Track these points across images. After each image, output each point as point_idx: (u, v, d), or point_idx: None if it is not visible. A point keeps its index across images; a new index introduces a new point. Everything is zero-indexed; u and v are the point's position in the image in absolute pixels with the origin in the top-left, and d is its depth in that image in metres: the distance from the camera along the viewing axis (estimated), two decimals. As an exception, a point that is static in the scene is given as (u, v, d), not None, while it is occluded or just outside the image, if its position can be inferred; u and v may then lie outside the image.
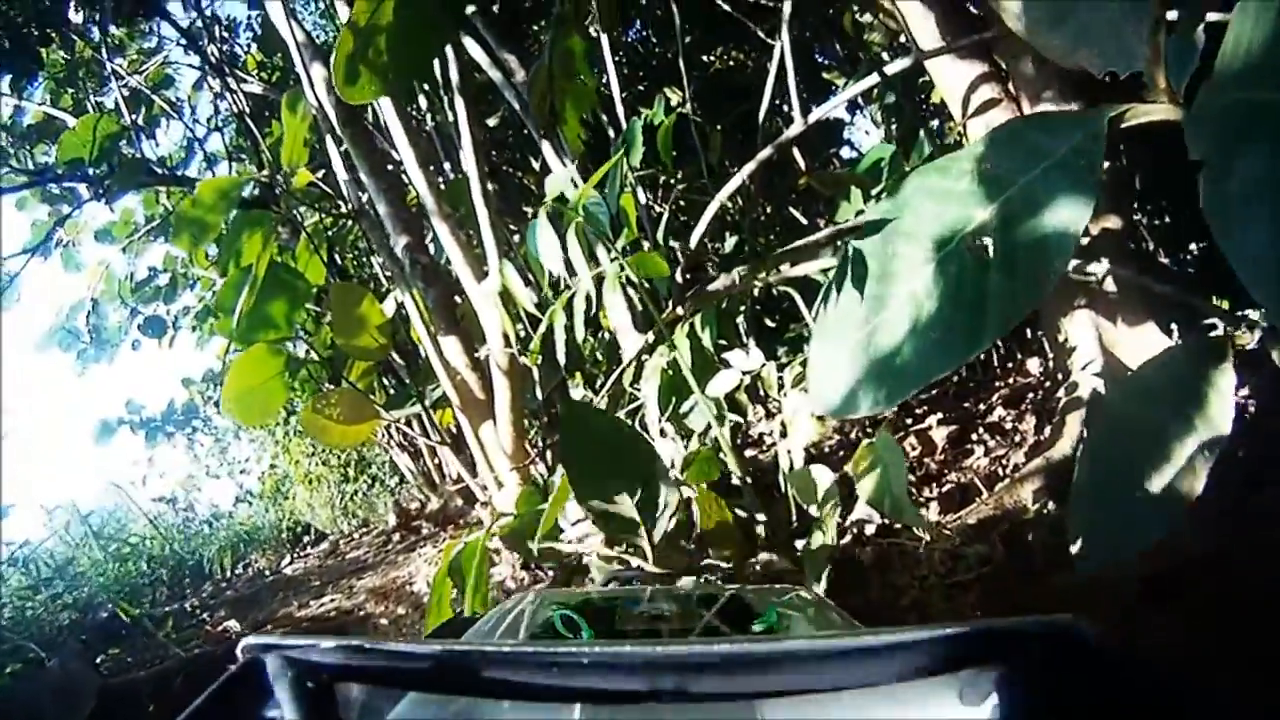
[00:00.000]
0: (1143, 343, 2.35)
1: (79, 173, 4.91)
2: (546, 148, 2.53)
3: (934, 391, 3.94)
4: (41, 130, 5.59)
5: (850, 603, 1.70)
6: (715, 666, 0.56)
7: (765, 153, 2.29)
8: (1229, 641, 1.45)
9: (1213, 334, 1.98)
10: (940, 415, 3.35)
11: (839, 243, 2.06)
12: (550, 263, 1.95)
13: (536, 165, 4.54)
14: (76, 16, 5.04)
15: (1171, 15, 0.88)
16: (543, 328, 2.18)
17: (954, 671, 0.60)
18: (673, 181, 2.92)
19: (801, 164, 4.16)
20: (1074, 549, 1.08)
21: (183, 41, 5.45)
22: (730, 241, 4.22)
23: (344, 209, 4.38)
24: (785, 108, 4.03)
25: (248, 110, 4.90)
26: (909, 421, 3.44)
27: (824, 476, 1.53)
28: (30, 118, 5.60)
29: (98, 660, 3.63)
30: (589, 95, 2.27)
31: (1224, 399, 0.97)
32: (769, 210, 4.49)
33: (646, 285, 2.10)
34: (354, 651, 0.63)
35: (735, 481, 1.85)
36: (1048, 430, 2.64)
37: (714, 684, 0.56)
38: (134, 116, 5.36)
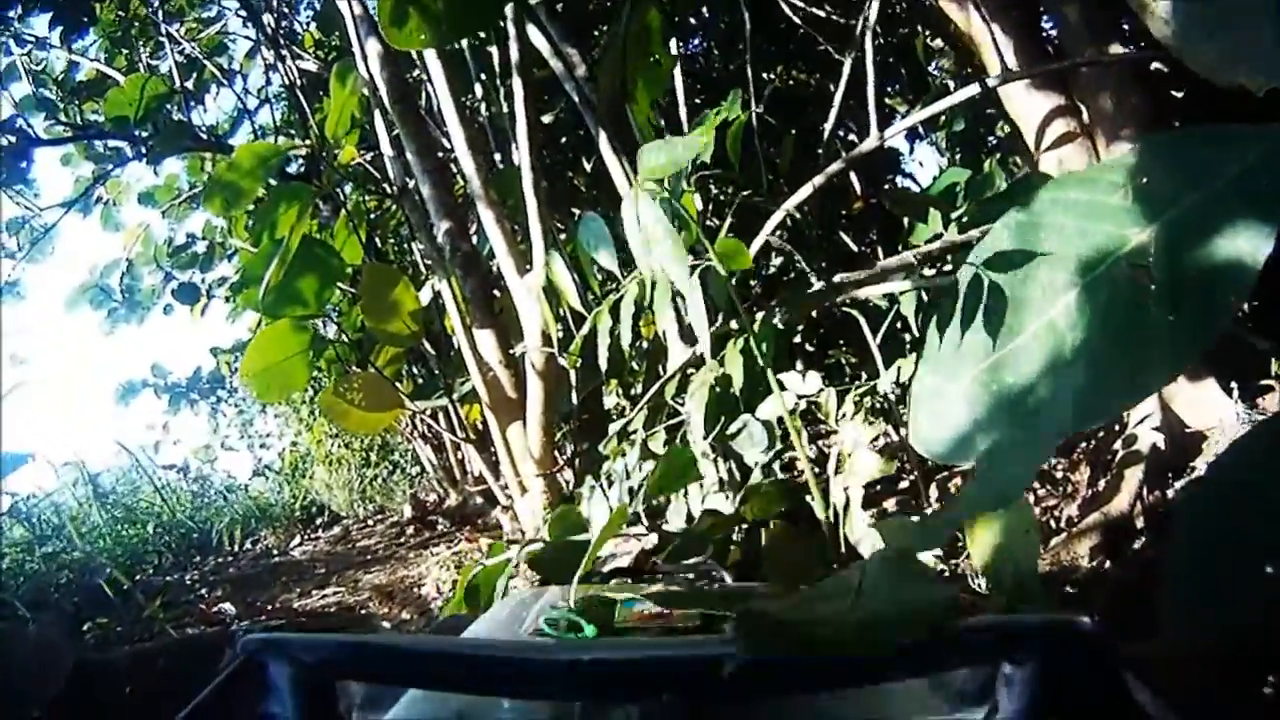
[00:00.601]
0: (1202, 398, 2.30)
1: (123, 132, 4.90)
2: (603, 140, 2.43)
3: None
4: (94, 88, 5.61)
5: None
6: (714, 665, 0.54)
7: (836, 166, 2.18)
8: None
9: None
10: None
11: (914, 267, 1.95)
12: (604, 259, 1.84)
13: (588, 166, 4.47)
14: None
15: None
16: (585, 328, 2.07)
17: (957, 669, 0.61)
18: (732, 190, 2.82)
19: (859, 188, 4.07)
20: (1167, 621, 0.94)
21: (241, 12, 5.46)
22: (775, 262, 4.13)
23: (388, 191, 4.33)
24: (842, 132, 3.96)
25: (300, 84, 4.89)
26: (954, 465, 3.30)
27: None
28: (83, 74, 5.63)
29: (84, 628, 3.56)
30: (662, 77, 2.16)
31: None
32: (819, 234, 4.40)
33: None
34: (354, 648, 0.66)
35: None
36: (1102, 483, 2.54)
37: (715, 683, 0.55)
38: (185, 81, 5.39)
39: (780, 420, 1.87)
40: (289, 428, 9.14)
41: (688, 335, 2.37)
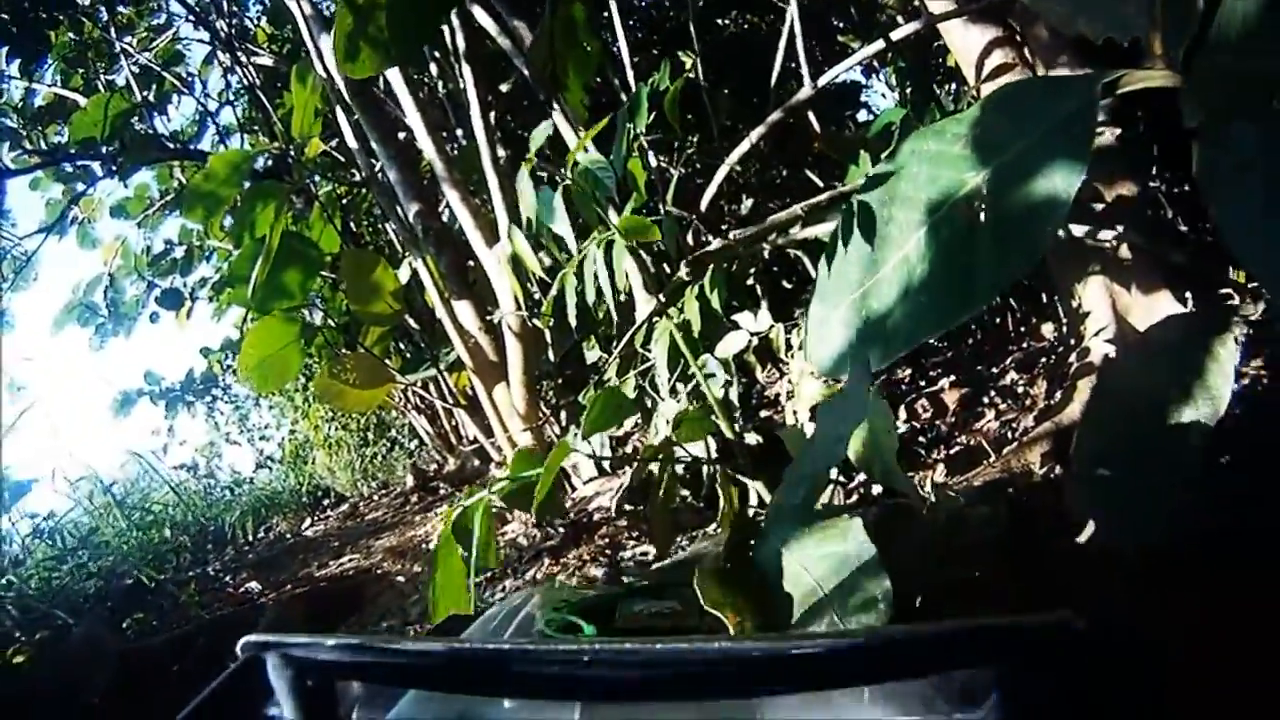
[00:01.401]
0: (1156, 311, 2.32)
1: (92, 151, 4.98)
2: (558, 114, 2.55)
3: (949, 355, 3.97)
4: (53, 111, 5.66)
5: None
6: (713, 665, 0.55)
7: (774, 116, 2.30)
8: (1227, 620, 1.43)
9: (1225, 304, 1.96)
10: (953, 378, 3.37)
11: (843, 206, 2.07)
12: (559, 227, 1.98)
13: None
14: (85, -1, 5.11)
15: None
16: (553, 291, 2.21)
17: (949, 670, 0.60)
18: (682, 146, 2.93)
19: (817, 127, 4.16)
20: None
21: (191, 18, 5.53)
22: (747, 204, 4.23)
23: (356, 177, 4.44)
24: (800, 71, 4.03)
25: (259, 83, 4.95)
26: (922, 383, 3.47)
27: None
28: (41, 99, 5.68)
29: (124, 625, 3.74)
30: (592, 61, 2.28)
31: (1224, 370, 0.98)
32: (785, 174, 4.49)
33: (658, 249, 2.12)
34: (354, 649, 0.63)
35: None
36: (1058, 395, 2.65)
37: (712, 682, 0.56)
38: (145, 93, 5.48)
39: (740, 357, 2.04)
40: (284, 418, 9.27)
41: (650, 287, 2.53)
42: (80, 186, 5.96)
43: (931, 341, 4.34)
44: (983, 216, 0.88)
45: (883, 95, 6.08)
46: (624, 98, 2.45)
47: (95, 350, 7.15)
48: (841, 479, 2.42)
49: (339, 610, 3.24)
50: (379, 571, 3.55)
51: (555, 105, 2.36)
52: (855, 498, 2.42)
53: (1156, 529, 1.03)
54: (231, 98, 6.21)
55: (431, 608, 1.59)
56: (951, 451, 2.56)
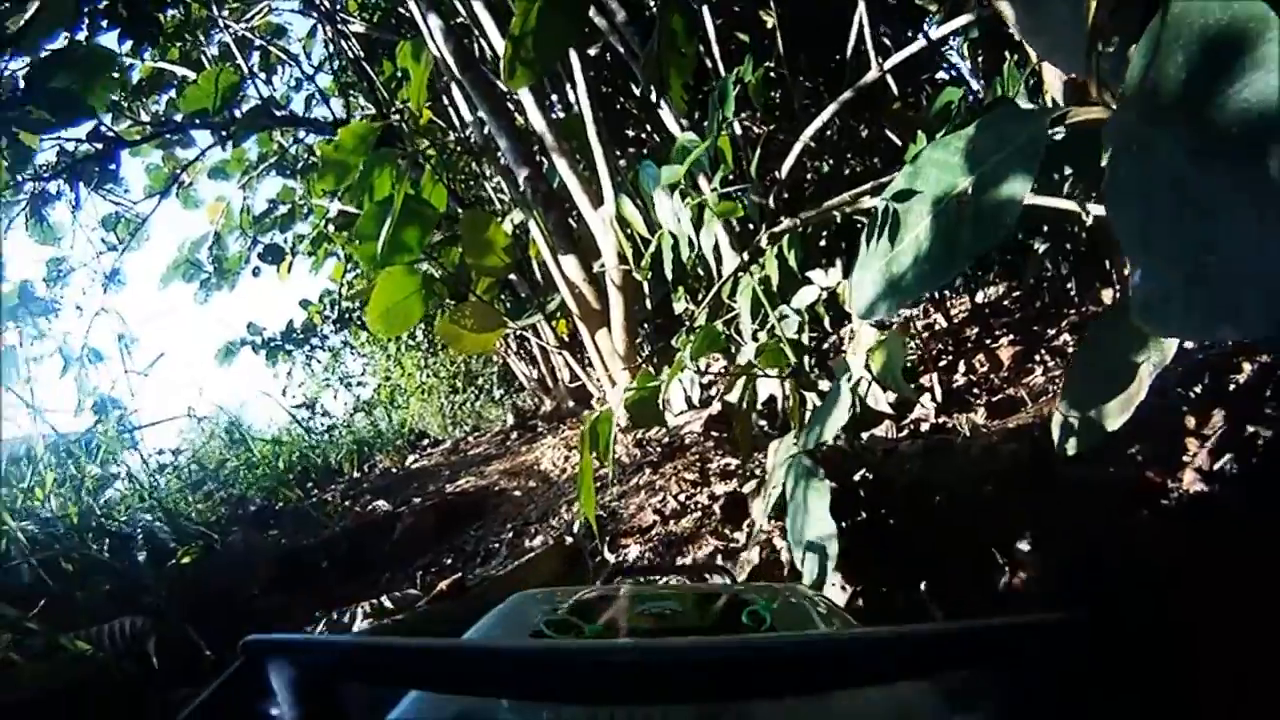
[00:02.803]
0: None
1: (201, 121, 5.53)
2: (664, 113, 3.03)
3: (1016, 316, 4.34)
4: (152, 83, 6.23)
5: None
6: (713, 664, 0.57)
7: (845, 95, 2.70)
8: (1211, 548, 1.67)
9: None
10: (1012, 337, 3.76)
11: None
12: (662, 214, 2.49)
13: (637, 91, 5.01)
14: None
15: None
16: (652, 248, 2.69)
17: (953, 670, 0.62)
18: (765, 125, 3.35)
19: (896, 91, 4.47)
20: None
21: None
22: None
23: (454, 139, 4.97)
24: (879, 41, 4.33)
25: (362, 55, 5.50)
26: (988, 341, 3.86)
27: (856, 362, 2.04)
28: (139, 73, 6.19)
29: (269, 536, 4.43)
30: (689, 65, 2.73)
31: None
32: (867, 135, 4.82)
33: (743, 212, 2.57)
34: (355, 649, 0.65)
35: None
36: None
37: (711, 682, 0.57)
38: (249, 64, 6.07)
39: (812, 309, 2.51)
40: (375, 365, 10.07)
41: (736, 245, 3.00)
42: (179, 151, 6.56)
43: (1004, 303, 4.69)
44: (967, 210, 1.33)
45: (963, 56, 6.24)
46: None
47: (200, 304, 7.66)
48: (894, 416, 2.89)
49: (465, 518, 3.85)
50: (497, 488, 4.16)
51: (663, 101, 2.85)
52: (906, 432, 2.89)
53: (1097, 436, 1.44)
54: (332, 68, 6.69)
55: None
56: (995, 399, 2.97)
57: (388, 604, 2.50)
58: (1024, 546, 1.88)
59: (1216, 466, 1.89)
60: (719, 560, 2.46)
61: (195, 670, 2.62)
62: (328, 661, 0.64)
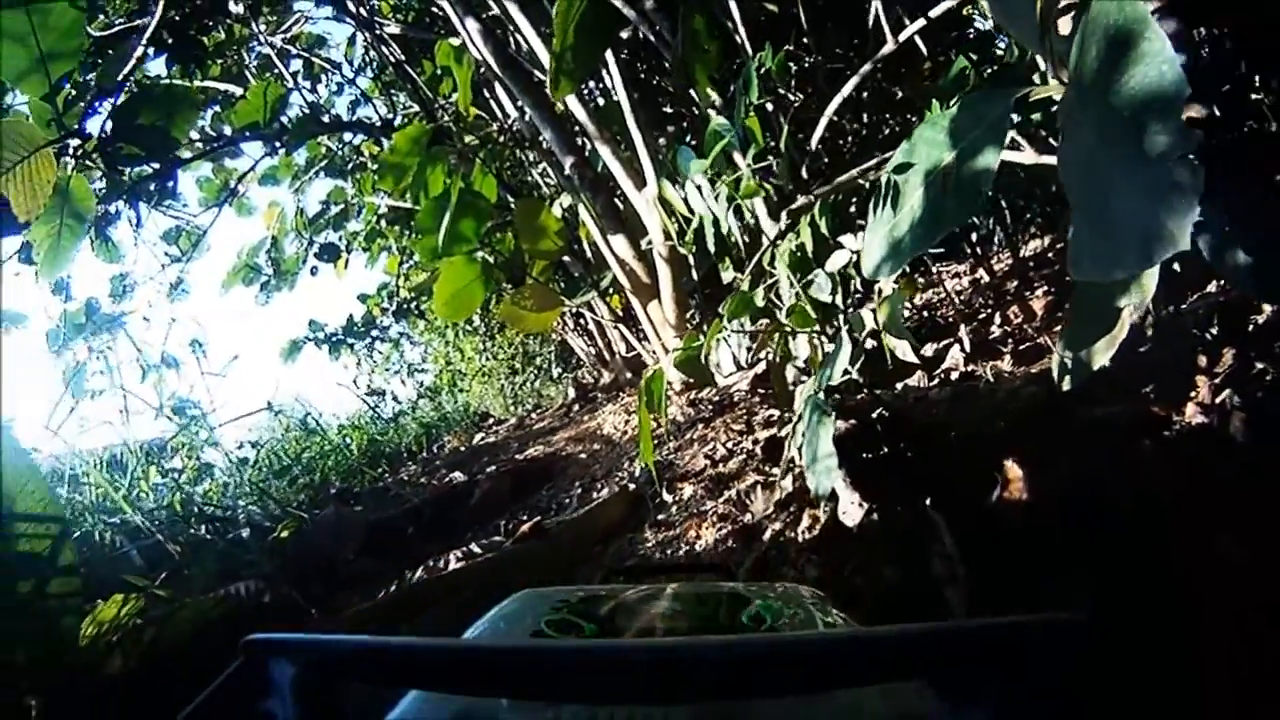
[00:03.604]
0: None
1: (253, 133, 5.83)
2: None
3: (1056, 268, 4.51)
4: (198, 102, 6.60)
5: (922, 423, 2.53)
6: (713, 664, 0.58)
7: (865, 69, 2.94)
8: (1207, 474, 1.85)
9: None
10: (1046, 288, 3.96)
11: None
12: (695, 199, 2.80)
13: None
14: (236, 7, 6.03)
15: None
16: (694, 224, 2.99)
17: (953, 668, 0.62)
18: (796, 97, 3.59)
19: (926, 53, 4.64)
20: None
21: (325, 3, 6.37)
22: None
23: (499, 131, 5.30)
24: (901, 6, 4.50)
25: (403, 59, 5.83)
26: (1026, 293, 4.06)
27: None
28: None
29: (357, 508, 4.83)
30: (712, 60, 3.01)
31: (1151, 271, 1.58)
32: (902, 96, 5.00)
33: (776, 185, 2.85)
34: (355, 649, 0.66)
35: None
36: None
37: (712, 681, 0.58)
38: (291, 73, 6.43)
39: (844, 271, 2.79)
40: (433, 352, 10.56)
41: (774, 214, 3.27)
42: (227, 162, 6.93)
43: (1048, 255, 4.85)
44: (950, 182, 1.60)
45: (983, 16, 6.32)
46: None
47: (260, 306, 8.10)
48: (926, 367, 3.16)
49: (537, 481, 4.23)
50: (564, 454, 4.52)
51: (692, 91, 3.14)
52: (937, 381, 3.15)
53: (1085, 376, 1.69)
54: (373, 72, 7.05)
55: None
56: (1023, 347, 3.20)
57: (476, 550, 2.88)
58: (1017, 469, 2.13)
59: (1218, 400, 2.06)
60: (758, 490, 2.79)
61: (301, 628, 2.92)
62: (328, 661, 0.66)
